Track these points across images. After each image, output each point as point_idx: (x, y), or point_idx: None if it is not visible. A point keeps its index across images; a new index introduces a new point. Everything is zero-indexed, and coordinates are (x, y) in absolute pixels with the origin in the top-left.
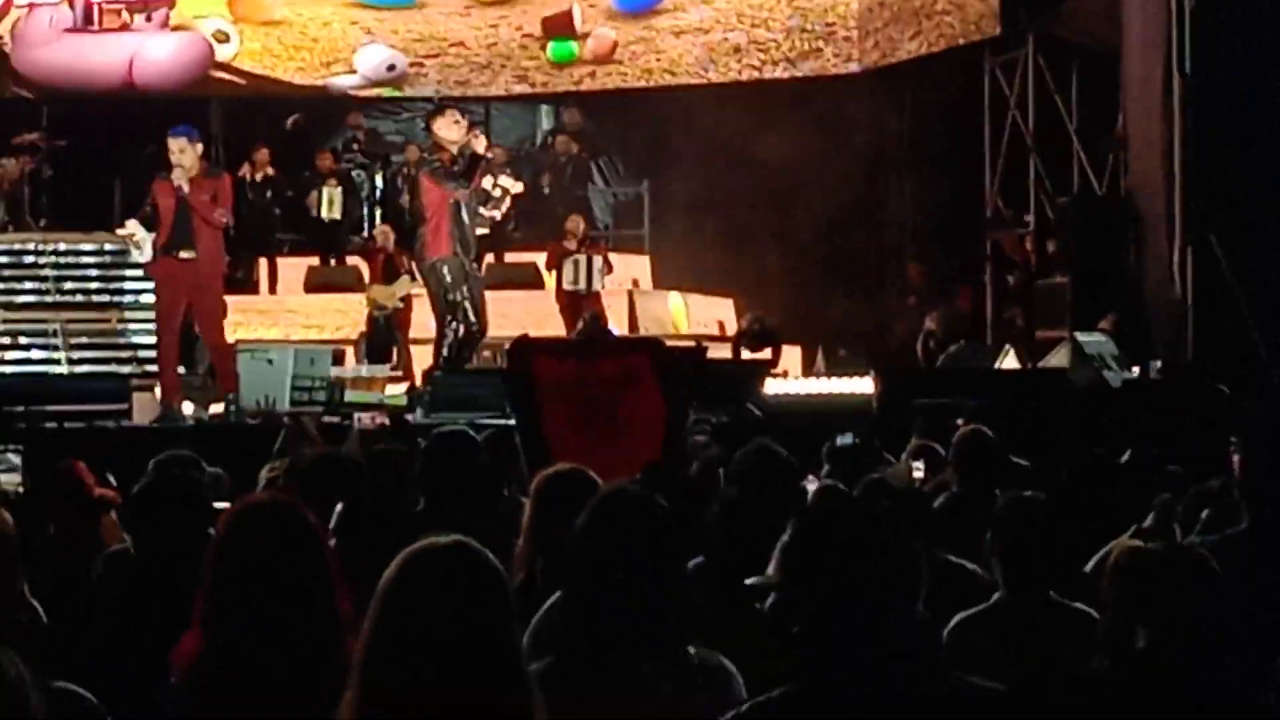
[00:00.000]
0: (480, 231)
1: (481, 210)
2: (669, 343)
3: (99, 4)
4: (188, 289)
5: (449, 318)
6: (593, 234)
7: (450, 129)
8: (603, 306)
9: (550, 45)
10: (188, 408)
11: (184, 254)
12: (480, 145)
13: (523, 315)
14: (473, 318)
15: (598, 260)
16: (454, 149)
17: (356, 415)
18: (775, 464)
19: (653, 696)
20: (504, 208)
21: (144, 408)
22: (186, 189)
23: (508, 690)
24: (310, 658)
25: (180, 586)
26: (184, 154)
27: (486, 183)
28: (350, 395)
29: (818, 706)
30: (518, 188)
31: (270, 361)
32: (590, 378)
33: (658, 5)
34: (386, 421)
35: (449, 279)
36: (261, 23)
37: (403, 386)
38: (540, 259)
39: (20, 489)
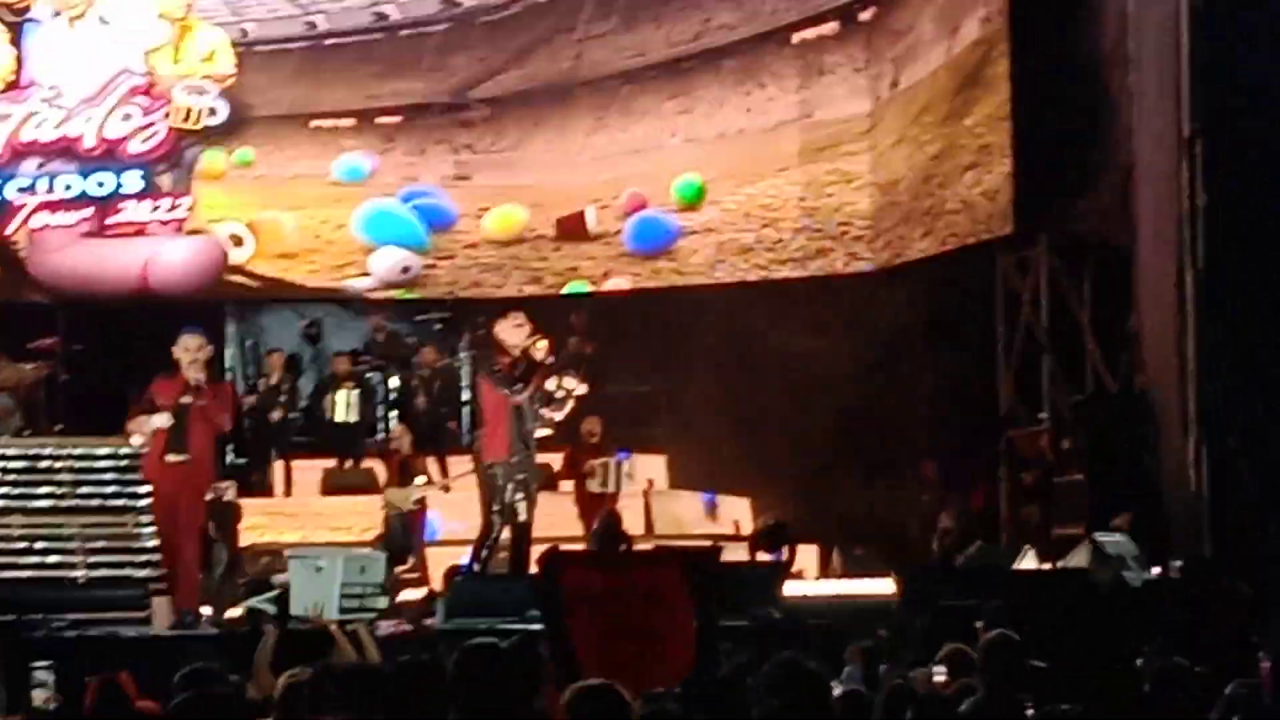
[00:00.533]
0: (541, 433)
1: (543, 411)
2: (687, 544)
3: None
4: (180, 491)
5: (496, 520)
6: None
7: (512, 332)
8: (616, 506)
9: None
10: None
11: (173, 457)
12: (541, 350)
13: (540, 517)
14: (522, 517)
15: (627, 463)
16: (515, 352)
17: (376, 622)
18: (805, 677)
19: None
20: (566, 409)
21: (161, 613)
22: (197, 388)
23: None
24: None
25: None
26: (201, 351)
27: (551, 383)
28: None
29: None
30: (582, 389)
31: (319, 569)
32: (621, 590)
33: (671, 246)
34: (408, 628)
35: (500, 483)
36: (277, 255)
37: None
38: (554, 460)
39: (52, 704)
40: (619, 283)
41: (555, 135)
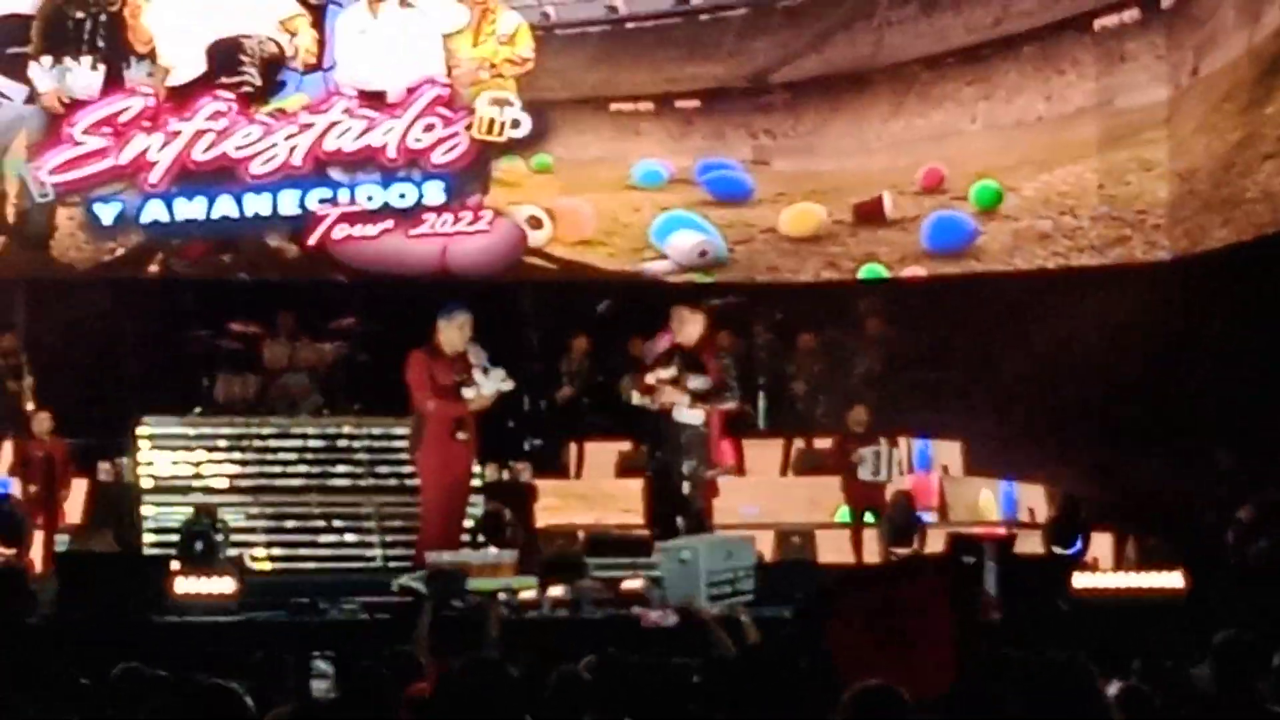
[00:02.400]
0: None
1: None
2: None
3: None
4: (463, 471)
5: None
6: (904, 421)
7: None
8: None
9: (862, 269)
10: None
11: (461, 435)
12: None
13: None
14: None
15: (898, 451)
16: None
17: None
18: (1069, 675)
19: None
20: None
21: None
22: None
23: None
24: None
25: None
26: (463, 330)
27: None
28: (474, 583)
29: None
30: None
31: (683, 560)
32: (887, 602)
33: (967, 249)
34: (675, 619)
35: None
36: (575, 242)
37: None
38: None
39: (331, 694)
40: (916, 269)
41: (853, 121)
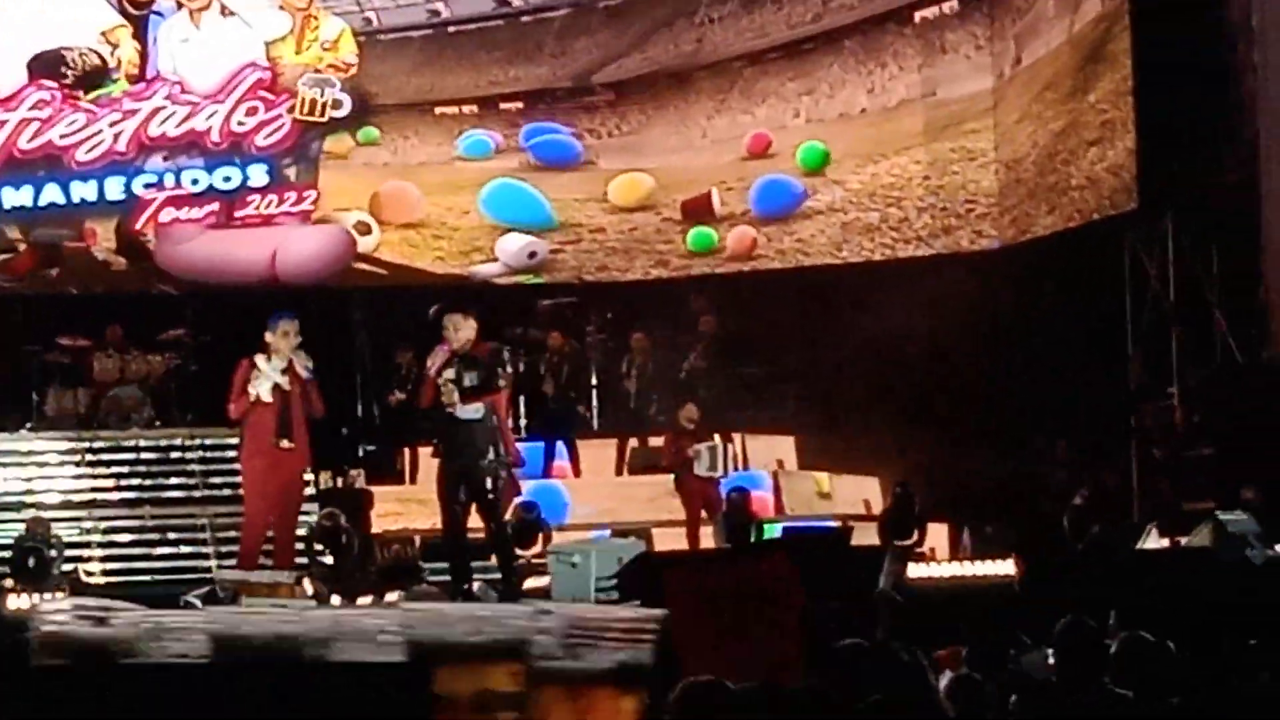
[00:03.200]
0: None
1: None
2: (811, 524)
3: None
4: (284, 480)
5: None
6: (737, 417)
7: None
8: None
9: (690, 234)
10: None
11: (284, 444)
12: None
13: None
14: None
15: (733, 447)
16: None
17: None
18: (902, 666)
19: None
20: None
21: None
22: (303, 373)
23: None
24: None
25: None
26: (298, 336)
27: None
28: (247, 603)
29: None
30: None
31: (574, 565)
32: (724, 588)
33: (796, 210)
34: None
35: None
36: (403, 225)
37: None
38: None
39: None
40: (745, 230)
41: (678, 118)
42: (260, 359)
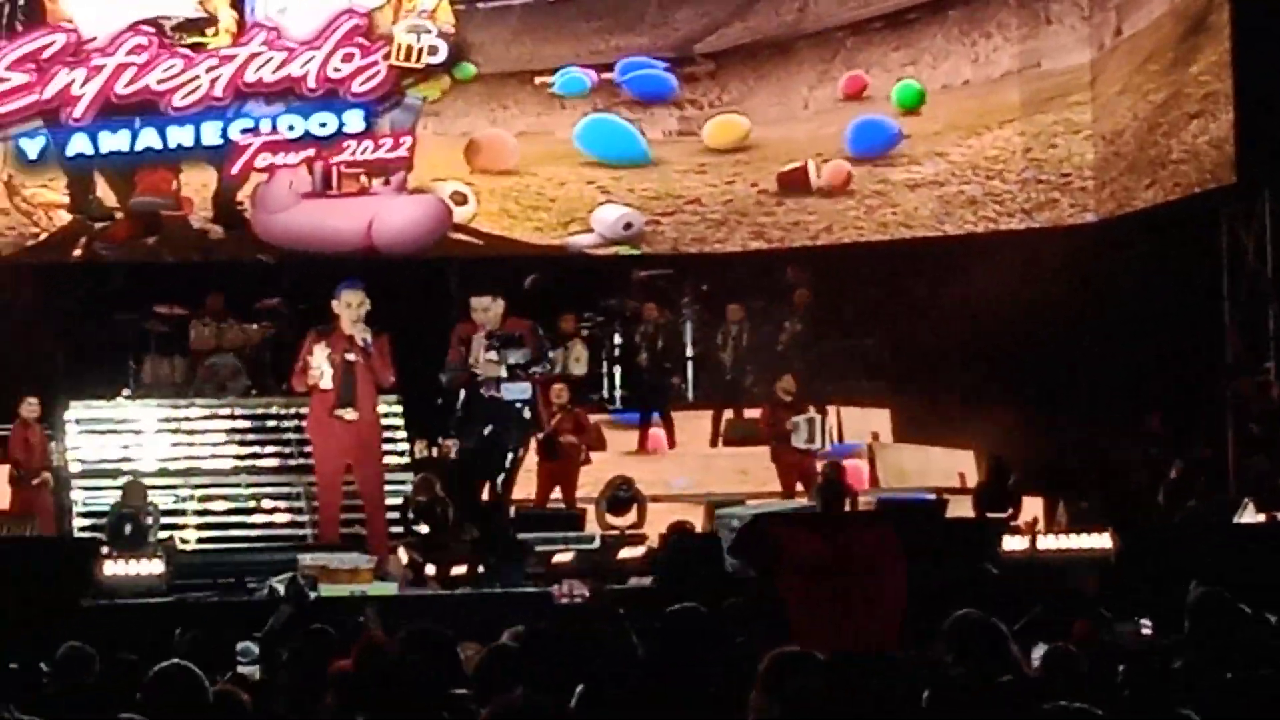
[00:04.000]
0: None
1: None
2: (907, 497)
3: (338, 168)
4: (352, 449)
5: None
6: (832, 389)
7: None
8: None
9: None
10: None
11: (347, 414)
12: None
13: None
14: None
15: (830, 419)
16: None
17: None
18: (985, 632)
19: None
20: None
21: (397, 570)
22: (360, 344)
23: None
24: None
25: None
26: (361, 306)
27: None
28: (326, 590)
29: None
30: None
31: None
32: (840, 555)
33: (891, 151)
34: (586, 594)
35: None
36: (499, 171)
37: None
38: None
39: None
40: (840, 165)
41: (778, 89)
42: (319, 347)
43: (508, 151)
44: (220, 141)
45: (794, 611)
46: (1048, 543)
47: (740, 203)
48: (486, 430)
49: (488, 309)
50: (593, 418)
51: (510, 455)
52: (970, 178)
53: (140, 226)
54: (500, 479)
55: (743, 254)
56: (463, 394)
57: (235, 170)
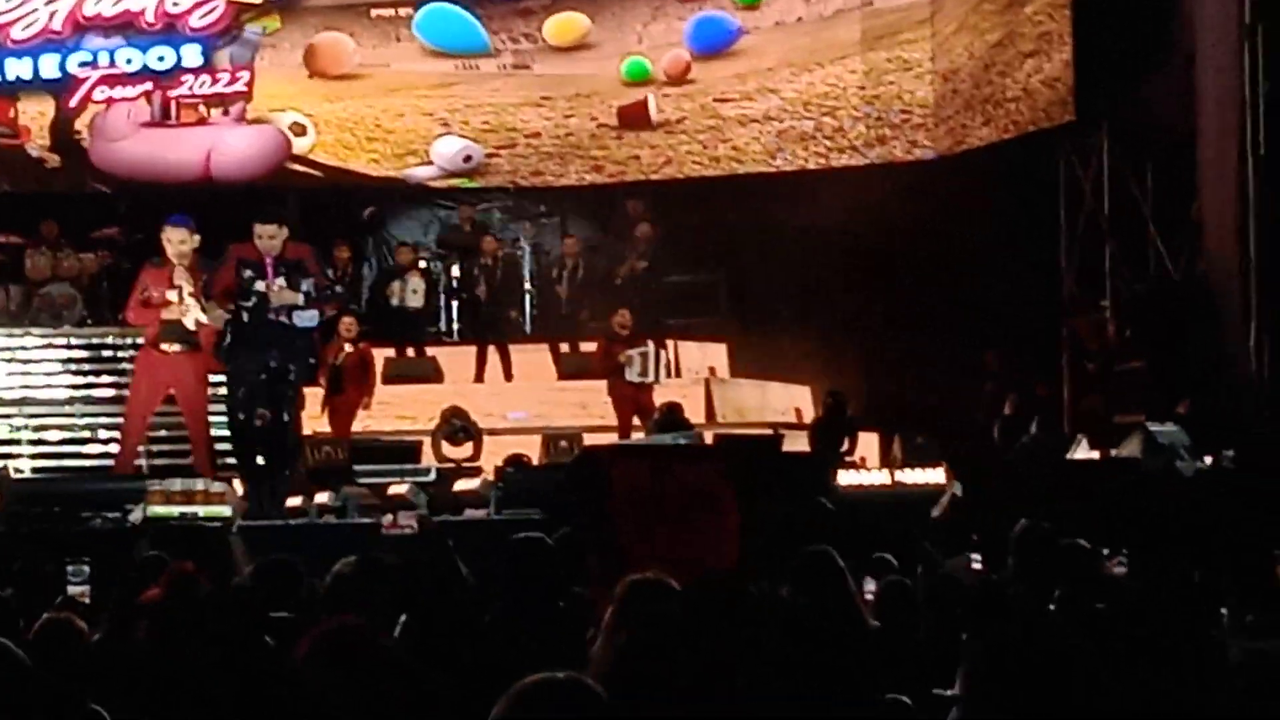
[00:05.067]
0: None
1: None
2: (744, 432)
3: (176, 99)
4: (171, 382)
5: None
6: (670, 323)
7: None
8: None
9: (624, 64)
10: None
11: (168, 346)
12: None
13: (573, 407)
14: None
15: (665, 353)
16: None
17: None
18: (830, 570)
19: None
20: None
21: (234, 501)
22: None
23: None
24: None
25: None
26: (185, 243)
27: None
28: (153, 510)
29: None
30: None
31: None
32: (666, 484)
33: (731, 46)
34: (414, 525)
35: None
36: (337, 76)
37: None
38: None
39: (86, 599)
40: (679, 55)
41: (614, 24)
42: (173, 295)
43: (345, 55)
44: (58, 75)
45: (626, 542)
46: (883, 477)
47: (577, 137)
48: (270, 357)
49: (274, 236)
50: (429, 350)
51: (295, 383)
52: (803, 114)
53: None
54: (287, 408)
55: (578, 187)
56: (244, 317)
57: (73, 103)
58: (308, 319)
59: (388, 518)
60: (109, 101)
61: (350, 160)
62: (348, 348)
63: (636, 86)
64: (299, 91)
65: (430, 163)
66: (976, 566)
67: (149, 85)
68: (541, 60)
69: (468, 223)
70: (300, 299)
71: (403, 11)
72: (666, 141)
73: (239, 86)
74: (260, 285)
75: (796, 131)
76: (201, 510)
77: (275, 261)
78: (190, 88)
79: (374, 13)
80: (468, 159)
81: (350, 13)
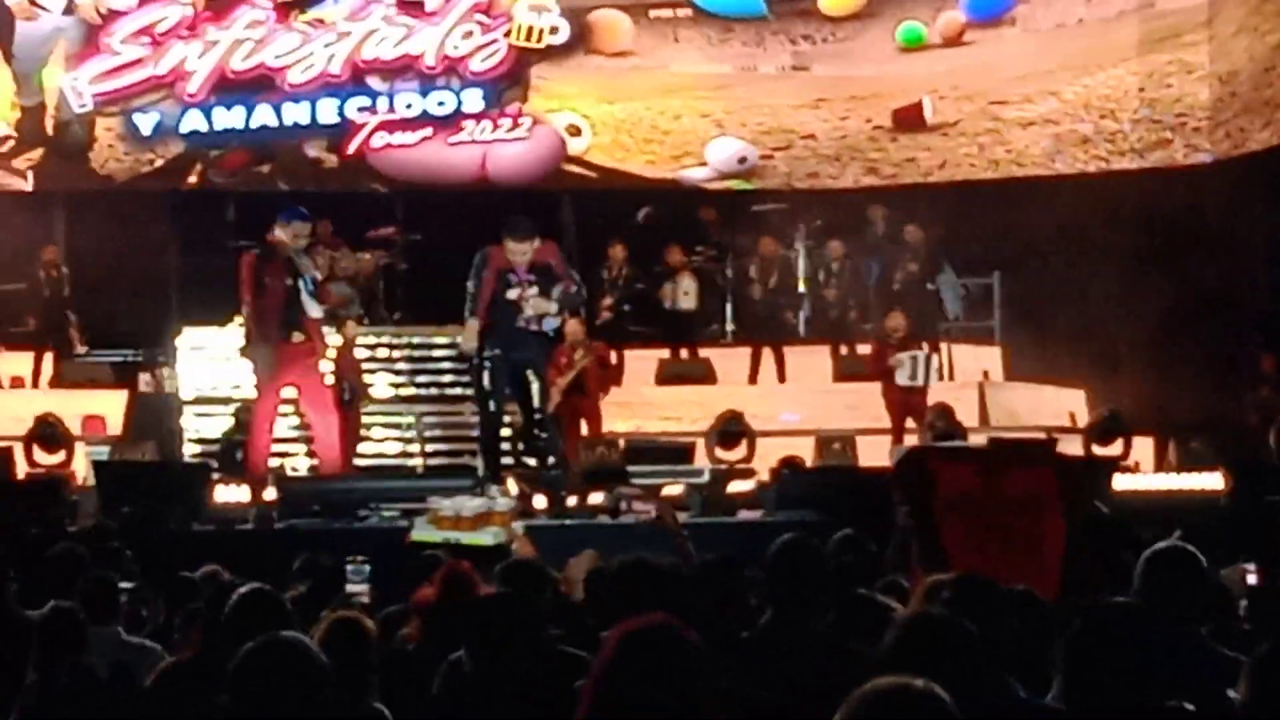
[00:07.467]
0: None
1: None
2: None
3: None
4: (299, 371)
5: None
6: (944, 327)
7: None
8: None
9: (900, 29)
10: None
11: (296, 336)
12: None
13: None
14: None
15: (936, 356)
16: None
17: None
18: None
19: None
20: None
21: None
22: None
23: None
24: None
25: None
26: (299, 239)
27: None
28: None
29: None
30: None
31: None
32: (995, 494)
33: (1009, 11)
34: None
35: None
36: (614, 54)
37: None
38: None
39: (365, 598)
40: (954, 17)
41: (893, 25)
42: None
43: (623, 32)
44: (336, 120)
45: (949, 548)
46: (1159, 481)
47: (853, 139)
48: (520, 356)
49: (525, 252)
50: (702, 352)
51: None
52: (1083, 116)
53: (254, 154)
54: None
55: (855, 190)
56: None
57: (351, 150)
58: (553, 323)
59: (624, 503)
60: (387, 148)
61: (626, 161)
62: (580, 352)
63: (911, 52)
64: (576, 93)
65: (705, 164)
66: (1252, 580)
67: (429, 130)
68: (820, 61)
69: (713, 224)
70: (554, 307)
71: (680, 12)
72: (943, 144)
73: (520, 133)
74: (512, 294)
75: (1076, 134)
76: (465, 538)
77: (530, 268)
78: (471, 134)
79: (652, 13)
80: (742, 160)
81: (628, 14)
